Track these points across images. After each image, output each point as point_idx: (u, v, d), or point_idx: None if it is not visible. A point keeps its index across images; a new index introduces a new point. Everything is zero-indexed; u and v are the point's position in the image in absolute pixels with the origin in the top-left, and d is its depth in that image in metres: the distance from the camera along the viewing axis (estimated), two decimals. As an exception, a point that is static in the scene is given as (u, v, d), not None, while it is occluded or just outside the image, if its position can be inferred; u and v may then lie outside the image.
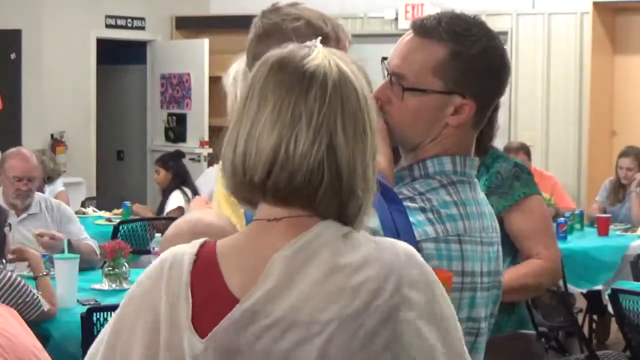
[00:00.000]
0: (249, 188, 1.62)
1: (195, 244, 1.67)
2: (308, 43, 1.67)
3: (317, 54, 1.63)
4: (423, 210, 1.94)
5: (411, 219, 1.87)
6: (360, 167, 1.60)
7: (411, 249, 1.62)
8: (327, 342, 1.55)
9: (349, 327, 1.55)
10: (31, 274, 5.02)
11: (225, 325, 1.60)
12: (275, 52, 1.66)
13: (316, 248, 1.59)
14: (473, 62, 1.99)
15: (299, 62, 1.61)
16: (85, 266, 5.38)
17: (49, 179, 8.68)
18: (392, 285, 1.56)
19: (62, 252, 5.60)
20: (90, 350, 1.72)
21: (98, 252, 5.80)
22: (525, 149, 8.50)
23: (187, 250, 1.67)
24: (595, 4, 10.60)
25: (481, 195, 2.06)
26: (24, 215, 5.93)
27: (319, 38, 1.68)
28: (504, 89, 2.07)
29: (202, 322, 1.61)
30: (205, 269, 1.64)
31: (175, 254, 1.67)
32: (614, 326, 6.95)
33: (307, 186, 1.58)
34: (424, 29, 2.03)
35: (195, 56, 11.83)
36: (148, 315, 1.65)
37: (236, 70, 3.34)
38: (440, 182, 1.99)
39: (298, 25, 2.25)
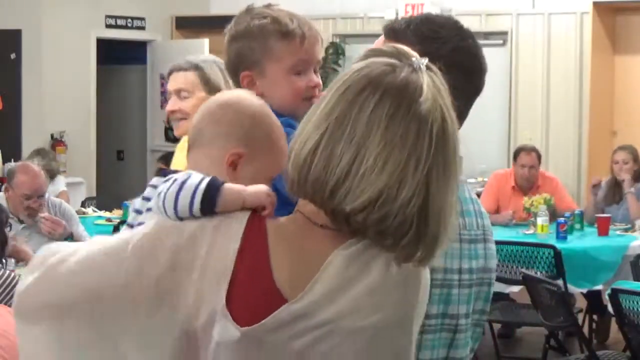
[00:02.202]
0: (325, 207, 1.60)
1: (245, 215, 1.64)
2: (412, 56, 1.64)
3: (427, 86, 1.59)
4: None
5: None
6: (446, 216, 1.61)
7: (427, 276, 1.70)
8: (362, 348, 1.59)
9: (382, 336, 1.60)
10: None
11: (270, 323, 1.59)
12: (385, 74, 1.60)
13: (368, 258, 1.61)
14: (442, 63, 1.99)
15: (417, 97, 1.57)
16: None
17: (51, 177, 8.70)
18: (410, 309, 1.64)
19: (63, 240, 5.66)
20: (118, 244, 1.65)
21: None
22: (537, 152, 8.50)
23: (237, 221, 1.63)
24: (595, 4, 10.60)
25: (465, 193, 2.05)
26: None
27: (426, 59, 1.65)
28: (479, 88, 2.06)
29: (237, 307, 1.59)
30: (253, 252, 1.62)
31: (222, 222, 1.63)
32: (614, 326, 6.95)
33: (394, 231, 1.58)
34: (394, 32, 2.05)
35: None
36: (171, 278, 1.60)
37: (222, 74, 3.50)
38: None
39: (264, 23, 2.30)
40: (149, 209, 1.81)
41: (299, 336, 1.59)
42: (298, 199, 1.66)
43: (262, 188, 1.70)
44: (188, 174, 1.71)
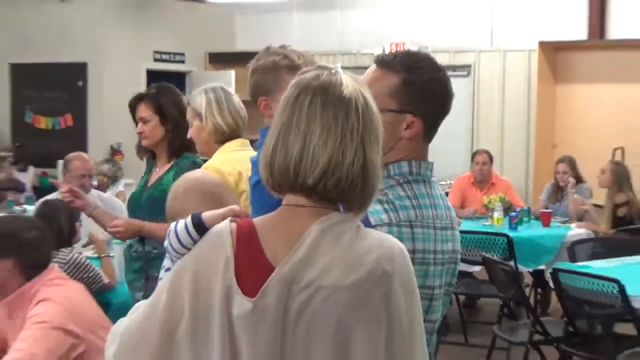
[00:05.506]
0: (294, 186, 1.66)
1: (226, 222, 1.70)
2: (331, 67, 1.72)
3: (346, 81, 1.68)
4: (380, 202, 1.94)
5: (370, 209, 1.85)
6: (379, 169, 1.69)
7: (401, 244, 1.70)
8: (345, 302, 1.61)
9: (360, 291, 1.62)
10: (95, 255, 5.04)
11: (269, 287, 1.62)
12: (312, 80, 1.69)
13: (339, 231, 1.66)
14: (421, 88, 2.01)
15: (338, 90, 1.67)
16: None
17: (114, 180, 8.72)
18: (388, 265, 1.65)
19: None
20: (145, 311, 1.71)
21: None
22: (489, 153, 8.56)
23: (223, 227, 1.69)
24: (541, 43, 10.61)
25: (437, 191, 2.07)
26: None
27: (339, 64, 1.75)
28: (447, 110, 2.07)
29: (245, 287, 1.63)
30: (246, 241, 1.66)
31: (218, 231, 1.69)
32: (554, 298, 6.95)
33: (348, 188, 1.65)
34: (384, 62, 2.07)
35: (224, 84, 11.79)
36: (197, 282, 1.65)
37: (207, 101, 3.60)
38: (397, 181, 2.00)
39: (277, 59, 2.39)
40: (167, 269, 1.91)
41: (294, 297, 1.61)
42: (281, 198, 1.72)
43: (233, 205, 1.80)
44: (173, 224, 1.77)
